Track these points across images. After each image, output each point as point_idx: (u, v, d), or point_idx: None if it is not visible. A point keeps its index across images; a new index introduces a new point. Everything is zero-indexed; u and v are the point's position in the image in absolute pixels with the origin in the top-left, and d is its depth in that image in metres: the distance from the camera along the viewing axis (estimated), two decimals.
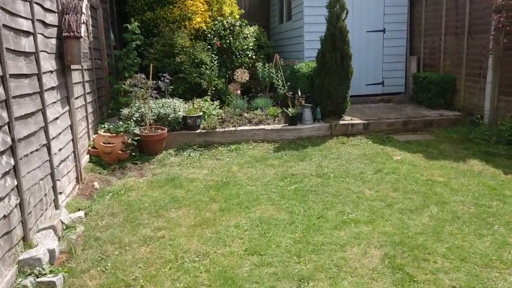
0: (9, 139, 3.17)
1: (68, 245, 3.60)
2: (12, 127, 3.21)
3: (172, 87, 7.77)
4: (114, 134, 5.94)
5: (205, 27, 8.84)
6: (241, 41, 9.07)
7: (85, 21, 4.74)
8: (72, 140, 4.94)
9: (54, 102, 4.38)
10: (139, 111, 6.59)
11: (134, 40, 7.29)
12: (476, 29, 7.34)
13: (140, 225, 4.00)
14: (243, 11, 10.20)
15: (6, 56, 3.17)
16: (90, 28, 5.39)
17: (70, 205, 4.42)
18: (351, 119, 7.33)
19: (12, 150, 3.22)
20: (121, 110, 6.75)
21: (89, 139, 6.09)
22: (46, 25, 4.24)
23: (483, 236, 3.61)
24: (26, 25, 3.65)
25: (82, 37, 4.60)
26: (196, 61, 8.17)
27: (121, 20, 9.06)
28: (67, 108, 4.81)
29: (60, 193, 4.34)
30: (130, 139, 6.07)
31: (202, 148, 6.54)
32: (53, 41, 4.47)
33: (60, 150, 4.44)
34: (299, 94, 7.34)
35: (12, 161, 3.19)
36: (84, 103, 5.89)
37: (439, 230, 3.73)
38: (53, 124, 4.26)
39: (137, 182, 5.23)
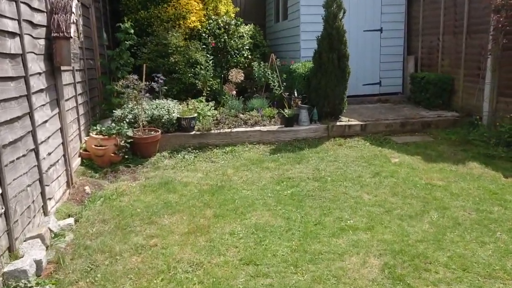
0: None
1: (57, 254, 3.47)
2: None
3: (166, 87, 7.62)
4: (106, 137, 5.80)
5: (200, 26, 8.70)
6: (237, 40, 8.93)
7: (75, 21, 4.59)
8: (62, 143, 4.80)
9: (43, 105, 4.24)
10: (132, 112, 6.45)
11: (127, 40, 7.14)
12: (475, 29, 7.24)
13: (132, 233, 3.87)
14: (238, 9, 10.05)
15: None
16: (81, 28, 5.24)
17: (60, 211, 4.29)
18: (348, 120, 7.22)
19: None
20: (114, 111, 6.61)
21: (80, 142, 5.94)
22: (34, 25, 4.09)
23: (485, 244, 3.50)
24: (11, 25, 3.50)
25: (72, 37, 4.45)
26: (190, 61, 8.03)
27: (115, 19, 8.90)
28: (56, 110, 4.66)
29: (50, 198, 4.21)
30: (123, 142, 5.93)
31: (197, 150, 6.41)
32: (42, 41, 4.32)
33: (49, 154, 4.30)
34: (296, 94, 7.22)
35: None
36: (75, 104, 5.74)
37: (440, 237, 3.62)
38: (41, 128, 4.12)
39: (129, 186, 5.09)
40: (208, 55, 8.34)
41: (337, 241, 3.61)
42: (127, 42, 7.16)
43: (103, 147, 5.69)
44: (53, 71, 4.59)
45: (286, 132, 6.83)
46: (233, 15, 9.39)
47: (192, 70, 8.03)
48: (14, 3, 3.59)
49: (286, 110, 6.94)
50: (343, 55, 6.83)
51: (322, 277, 3.09)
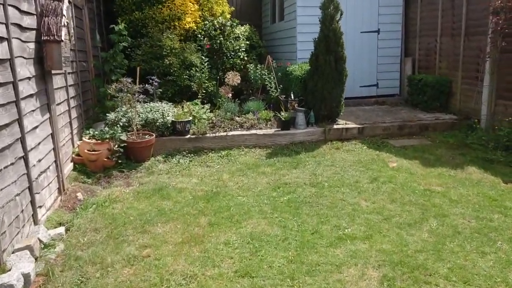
0: None
1: (46, 266, 3.36)
2: None
3: (161, 90, 7.52)
4: (99, 141, 5.69)
5: (195, 27, 8.59)
6: (232, 42, 8.83)
7: (66, 23, 4.48)
8: (54, 149, 4.69)
9: (33, 110, 4.12)
10: (126, 116, 6.34)
11: (120, 41, 7.02)
12: (473, 31, 7.17)
13: (124, 242, 3.77)
14: (234, 9, 9.93)
15: None
16: (72, 30, 5.13)
17: (51, 220, 4.18)
18: (345, 123, 7.14)
19: None
20: (107, 114, 6.49)
21: (73, 146, 5.83)
22: (23, 28, 3.98)
23: (486, 254, 3.42)
24: None
25: (62, 40, 4.34)
26: (186, 63, 7.93)
27: (109, 20, 8.77)
28: (47, 115, 4.55)
29: (40, 206, 4.10)
30: (116, 146, 5.82)
31: (192, 154, 6.31)
32: (32, 45, 4.21)
33: (39, 161, 4.19)
34: (292, 97, 7.13)
35: None
36: (67, 108, 5.63)
37: (440, 247, 3.54)
38: (31, 134, 4.00)
39: (123, 192, 4.98)
40: (204, 57, 8.23)
41: (335, 251, 3.52)
42: (121, 44, 7.04)
43: (96, 152, 5.58)
44: (43, 75, 4.47)
45: (282, 136, 6.74)
46: (228, 16, 9.29)
47: (187, 72, 7.92)
48: (1, 6, 3.47)
49: (282, 113, 6.85)
50: (340, 58, 6.74)
51: None
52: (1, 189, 3.23)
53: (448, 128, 7.25)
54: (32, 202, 3.88)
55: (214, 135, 6.55)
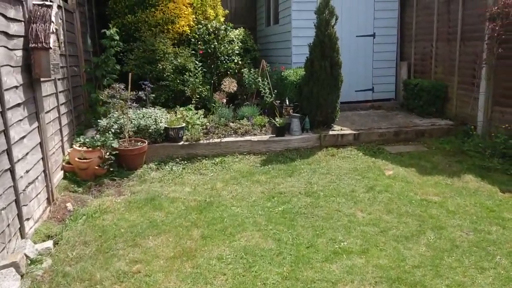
0: None
1: (32, 284, 3.25)
2: None
3: (154, 95, 7.41)
4: (90, 149, 5.57)
5: (189, 31, 8.48)
6: (226, 46, 8.72)
7: (54, 30, 4.36)
8: (43, 158, 4.56)
9: (20, 120, 4.00)
10: (118, 122, 6.22)
11: (112, 46, 6.89)
12: (469, 36, 7.12)
13: (114, 257, 3.66)
14: (228, 12, 9.82)
15: None
16: (62, 37, 5.00)
17: (39, 232, 4.06)
18: (341, 129, 7.06)
19: None
20: (99, 120, 6.37)
21: (63, 154, 5.71)
22: (9, 36, 3.85)
23: (485, 270, 3.35)
24: None
25: (51, 48, 4.22)
26: (179, 67, 7.81)
27: (101, 23, 8.66)
28: (36, 124, 4.42)
29: (28, 219, 3.98)
30: (108, 154, 5.71)
31: (185, 161, 6.20)
32: (19, 53, 4.08)
33: (27, 171, 4.07)
34: (287, 103, 7.04)
35: None
36: (57, 115, 5.51)
37: (438, 262, 3.46)
38: (18, 145, 3.89)
39: (114, 202, 4.87)
40: (197, 62, 8.12)
41: (331, 266, 3.44)
42: (113, 49, 6.91)
43: (87, 160, 5.46)
44: (31, 83, 4.35)
45: (277, 142, 6.65)
46: (223, 19, 9.18)
47: (181, 77, 7.81)
48: None
49: (277, 119, 6.76)
50: (335, 63, 6.66)
51: None
52: None
53: (444, 134, 7.19)
54: (19, 215, 3.76)
55: (208, 141, 6.45)
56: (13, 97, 3.82)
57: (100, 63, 6.89)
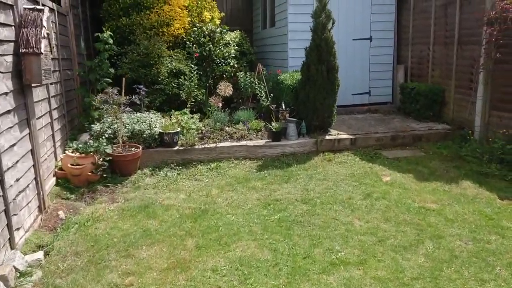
0: None
1: None
2: None
3: (148, 99, 7.31)
4: (83, 155, 5.47)
5: (184, 33, 8.39)
6: (222, 49, 8.64)
7: (46, 35, 4.27)
8: (34, 165, 4.46)
9: (11, 127, 3.91)
10: (111, 127, 6.13)
11: (106, 50, 6.79)
12: (466, 40, 7.07)
13: (107, 268, 3.57)
14: (224, 14, 9.73)
15: None
16: (54, 41, 4.91)
17: (29, 242, 3.96)
18: (338, 134, 6.99)
19: None
20: (92, 125, 6.27)
21: (56, 160, 5.61)
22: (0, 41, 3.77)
23: (485, 282, 3.29)
24: None
25: (42, 53, 4.13)
26: (174, 71, 7.72)
27: (96, 25, 8.57)
28: (27, 131, 4.32)
29: (18, 229, 3.88)
30: (101, 159, 5.61)
31: (180, 167, 6.11)
32: (9, 58, 3.99)
33: (17, 180, 3.97)
34: (283, 107, 6.97)
35: None
36: (49, 120, 5.41)
37: (437, 274, 3.40)
38: (8, 153, 3.79)
39: (107, 210, 4.78)
40: (192, 65, 8.03)
41: (328, 278, 3.36)
42: (107, 52, 6.81)
43: (80, 166, 5.37)
44: (22, 89, 4.25)
45: (273, 147, 6.57)
46: (218, 22, 9.09)
47: (176, 80, 7.72)
48: None
49: (273, 124, 6.68)
50: (332, 67, 6.59)
51: None
52: None
53: (441, 139, 7.14)
54: (9, 226, 3.66)
55: (203, 146, 6.36)
56: (2, 104, 3.73)
57: (93, 66, 6.79)
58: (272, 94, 7.63)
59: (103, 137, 5.98)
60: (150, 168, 6.02)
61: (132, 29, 8.07)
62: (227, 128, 6.97)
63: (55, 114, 5.72)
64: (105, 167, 5.61)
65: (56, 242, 4.02)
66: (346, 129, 7.34)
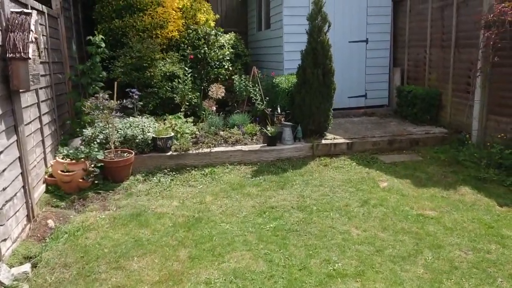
0: None
1: None
2: None
3: (141, 103, 7.18)
4: (73, 161, 5.34)
5: (178, 36, 8.27)
6: (217, 51, 8.52)
7: (33, 39, 4.14)
8: (22, 173, 4.33)
9: None
10: (103, 132, 6.00)
11: (98, 53, 6.66)
12: (463, 43, 7.00)
13: (96, 281, 3.45)
14: (219, 16, 9.62)
15: None
16: (42, 45, 4.78)
17: (17, 253, 3.83)
18: (334, 138, 6.89)
19: None
20: (84, 130, 6.15)
21: (46, 166, 5.48)
22: None
23: None
24: None
25: (30, 58, 4.00)
26: (168, 74, 7.60)
27: (88, 27, 8.43)
28: (14, 138, 4.19)
29: (5, 239, 3.75)
30: (92, 166, 5.49)
31: (174, 172, 6.00)
32: None
33: (4, 189, 3.84)
34: (279, 111, 6.86)
35: None
36: (39, 126, 5.28)
37: (437, 286, 3.30)
38: None
39: (98, 218, 4.65)
40: (187, 68, 7.91)
41: None
42: (99, 56, 6.68)
43: (70, 173, 5.24)
44: (9, 95, 4.12)
45: (269, 152, 6.47)
46: (213, 24, 8.98)
47: (170, 83, 7.60)
48: None
49: (269, 128, 6.58)
50: (328, 71, 6.50)
51: None
52: None
53: (438, 143, 7.06)
54: None
55: (197, 151, 6.25)
56: None
57: (85, 70, 6.66)
58: (267, 98, 7.53)
59: (95, 142, 5.86)
60: (143, 174, 5.90)
61: (125, 32, 7.94)
62: (221, 132, 6.85)
63: (45, 119, 5.59)
64: (97, 173, 5.48)
65: (44, 253, 3.89)
66: (343, 133, 7.25)
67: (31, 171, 4.69)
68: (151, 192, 5.41)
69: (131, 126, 6.18)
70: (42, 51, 4.60)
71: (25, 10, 4.19)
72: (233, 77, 8.18)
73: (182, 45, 8.29)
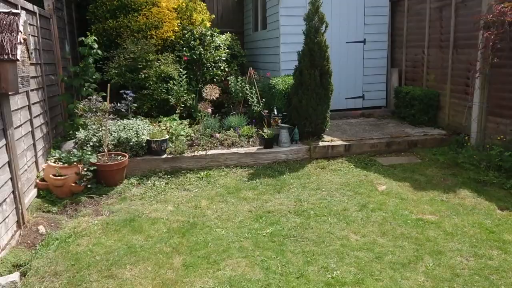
0: None
1: None
2: None
3: (136, 104, 7.07)
4: (66, 165, 5.22)
5: (173, 36, 8.15)
6: (213, 52, 8.41)
7: (22, 40, 4.02)
8: (11, 178, 4.22)
9: None
10: (97, 134, 5.88)
11: (91, 54, 6.54)
12: (462, 43, 6.92)
13: None
14: (214, 16, 9.51)
15: None
16: (32, 46, 4.66)
17: (5, 262, 3.71)
18: (331, 140, 6.80)
19: None
20: (77, 133, 6.03)
21: (37, 170, 5.36)
22: None
23: None
24: None
25: (18, 60, 3.88)
26: (162, 75, 7.48)
27: (82, 28, 8.31)
28: (3, 142, 4.08)
29: None
30: (85, 169, 5.37)
31: (169, 176, 5.89)
32: None
33: None
34: (275, 113, 6.76)
35: None
36: (30, 129, 5.17)
37: None
38: None
39: (90, 223, 4.54)
40: (182, 69, 7.80)
41: None
42: (92, 57, 6.56)
43: (62, 177, 5.12)
44: None
45: (265, 154, 6.36)
46: (209, 24, 8.87)
47: (165, 85, 7.48)
48: None
49: (265, 130, 6.47)
50: (325, 72, 6.40)
51: None
52: None
53: (437, 144, 6.98)
54: None
55: (192, 154, 6.13)
56: None
57: (78, 71, 6.53)
58: (264, 99, 7.43)
59: (88, 145, 5.75)
60: (137, 178, 5.79)
61: (119, 32, 7.82)
62: (217, 135, 6.75)
63: (37, 122, 5.47)
64: (90, 177, 5.37)
65: (34, 261, 3.77)
66: (340, 134, 7.16)
67: (22, 175, 4.58)
68: (145, 196, 5.30)
69: (125, 128, 6.06)
70: (31, 53, 4.49)
71: (14, 11, 4.07)
72: (228, 78, 8.07)
73: (178, 45, 8.17)
